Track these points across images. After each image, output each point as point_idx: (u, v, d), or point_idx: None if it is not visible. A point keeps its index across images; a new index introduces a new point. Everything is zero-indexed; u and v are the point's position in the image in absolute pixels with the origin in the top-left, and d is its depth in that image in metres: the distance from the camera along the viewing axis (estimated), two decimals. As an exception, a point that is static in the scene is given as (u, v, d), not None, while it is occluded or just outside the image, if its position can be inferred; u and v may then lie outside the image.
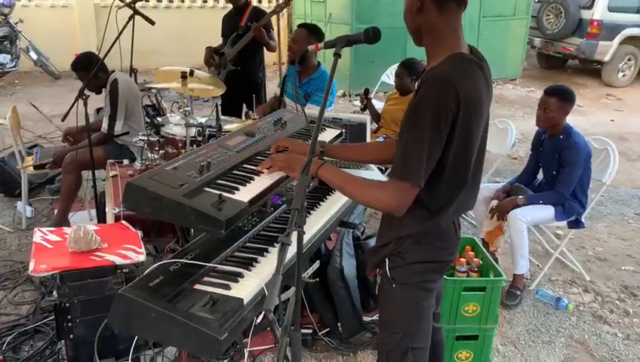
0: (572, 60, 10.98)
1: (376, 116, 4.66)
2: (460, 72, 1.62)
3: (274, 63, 8.09)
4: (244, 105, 4.84)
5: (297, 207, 1.40)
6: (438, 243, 1.81)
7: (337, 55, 1.77)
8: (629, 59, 10.10)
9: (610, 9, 9.55)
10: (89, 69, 3.63)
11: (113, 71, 4.03)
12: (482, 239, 3.69)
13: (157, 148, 3.47)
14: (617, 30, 9.69)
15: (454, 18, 1.69)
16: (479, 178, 1.85)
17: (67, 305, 2.50)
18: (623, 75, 10.20)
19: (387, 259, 1.84)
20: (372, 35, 1.82)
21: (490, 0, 8.83)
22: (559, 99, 3.37)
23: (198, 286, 1.73)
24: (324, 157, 2.12)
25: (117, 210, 3.18)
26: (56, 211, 4.08)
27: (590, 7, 9.61)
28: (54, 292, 2.66)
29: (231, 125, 3.62)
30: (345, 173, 1.81)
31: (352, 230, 3.18)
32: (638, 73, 10.34)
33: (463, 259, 3.06)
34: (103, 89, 3.99)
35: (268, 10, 4.96)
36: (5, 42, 8.32)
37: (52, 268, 2.46)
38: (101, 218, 3.73)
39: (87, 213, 4.22)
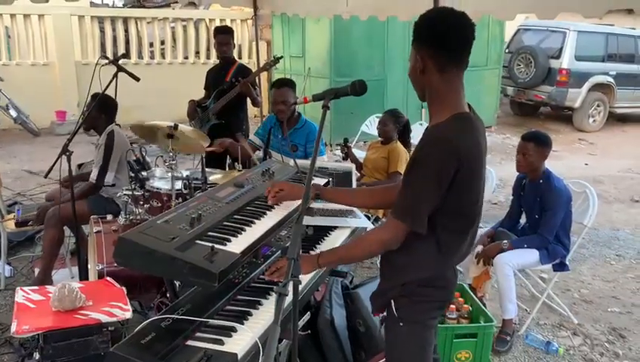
0: (544, 107, 11.34)
1: (357, 164, 4.72)
2: (461, 132, 1.74)
3: (255, 116, 8.18)
4: (228, 157, 4.87)
5: (293, 256, 1.41)
6: (441, 283, 1.92)
7: (326, 107, 1.84)
8: (597, 105, 10.48)
9: (577, 58, 9.99)
10: (100, 107, 3.76)
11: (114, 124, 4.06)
12: (469, 285, 3.69)
13: (141, 203, 3.45)
14: (585, 78, 10.11)
15: (455, 79, 1.80)
16: (478, 225, 1.95)
17: (50, 366, 2.42)
18: (594, 121, 10.56)
19: (393, 300, 1.91)
20: (358, 88, 1.91)
21: (463, 52, 9.13)
22: (537, 143, 3.46)
23: (190, 342, 1.70)
24: (319, 200, 2.25)
25: (100, 267, 3.13)
26: (36, 270, 3.99)
27: (558, 56, 10.04)
28: (35, 355, 2.57)
29: (215, 177, 3.62)
30: (340, 247, 2.13)
31: (340, 279, 3.16)
32: (607, 118, 10.72)
33: (452, 306, 3.05)
34: (94, 131, 4.03)
35: (252, 68, 5.07)
36: (-16, 101, 8.32)
37: (35, 328, 2.39)
38: (83, 275, 3.65)
39: (68, 271, 4.13)
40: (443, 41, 1.74)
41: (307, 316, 2.59)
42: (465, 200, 1.79)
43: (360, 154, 5.10)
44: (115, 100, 4.00)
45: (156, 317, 1.76)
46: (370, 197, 2.29)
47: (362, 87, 1.90)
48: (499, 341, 3.39)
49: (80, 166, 4.92)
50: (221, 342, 1.68)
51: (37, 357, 2.53)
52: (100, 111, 3.84)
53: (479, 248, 3.66)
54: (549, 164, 3.58)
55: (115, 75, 3.92)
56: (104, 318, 2.49)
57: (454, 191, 1.72)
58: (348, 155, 4.72)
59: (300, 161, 3.00)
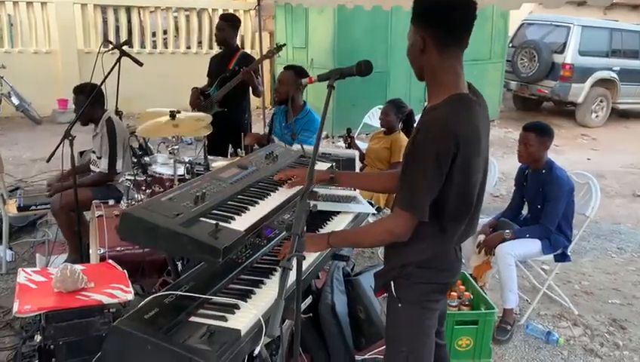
0: (547, 102, 11.32)
1: (360, 155, 4.71)
2: (458, 116, 1.71)
3: (257, 107, 8.16)
4: (230, 146, 4.86)
5: (297, 232, 1.41)
6: (441, 266, 1.91)
7: (331, 87, 1.83)
8: (600, 101, 10.46)
9: (581, 53, 9.96)
10: (91, 99, 3.62)
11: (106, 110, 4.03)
12: (470, 274, 3.69)
13: (144, 188, 3.46)
14: (588, 73, 10.08)
15: (455, 60, 1.77)
16: (480, 208, 1.93)
17: (52, 347, 2.43)
18: (596, 116, 10.54)
19: (392, 281, 1.92)
20: (364, 68, 1.90)
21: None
22: (538, 133, 3.45)
23: (193, 319, 1.70)
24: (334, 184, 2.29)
25: (102, 251, 3.13)
26: (38, 255, 4.00)
27: (562, 51, 10.01)
28: (36, 337, 2.57)
29: (218, 163, 3.62)
30: (351, 231, 2.21)
31: (342, 266, 3.15)
32: (610, 114, 10.70)
33: (454, 294, 3.05)
34: (91, 123, 3.99)
35: (255, 57, 5.06)
36: (-14, 88, 8.31)
37: (37, 308, 2.40)
38: (84, 260, 3.65)
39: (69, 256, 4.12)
40: (445, 20, 1.72)
41: (309, 300, 2.59)
42: (464, 182, 1.77)
43: (362, 146, 5.08)
44: (98, 86, 3.92)
45: (160, 294, 1.76)
46: (390, 181, 2.24)
47: (368, 67, 1.90)
48: (499, 330, 3.39)
49: (81, 153, 4.92)
50: (224, 319, 1.69)
51: (38, 340, 2.53)
52: (93, 102, 3.75)
53: (481, 238, 3.66)
54: (551, 158, 3.57)
55: (119, 60, 3.91)
56: (106, 299, 2.50)
57: (454, 174, 1.71)
58: (351, 146, 4.71)
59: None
